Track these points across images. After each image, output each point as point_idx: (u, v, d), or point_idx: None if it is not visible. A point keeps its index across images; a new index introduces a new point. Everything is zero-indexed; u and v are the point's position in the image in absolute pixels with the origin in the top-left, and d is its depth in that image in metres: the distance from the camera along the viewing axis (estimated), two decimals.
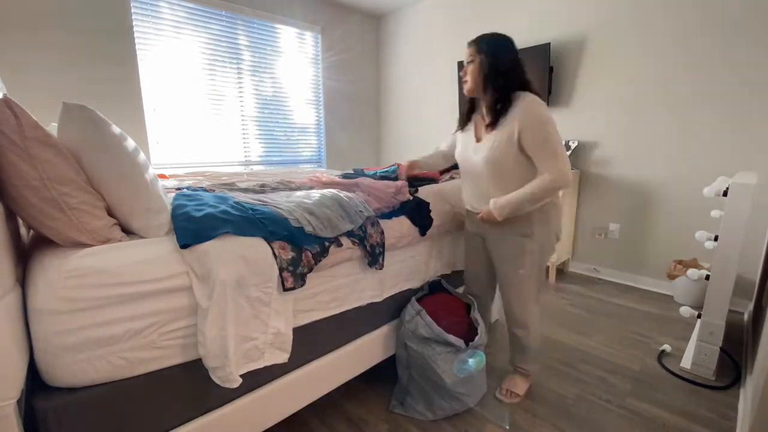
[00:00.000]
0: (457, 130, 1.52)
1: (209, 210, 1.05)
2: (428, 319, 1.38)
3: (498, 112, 1.29)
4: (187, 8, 2.94)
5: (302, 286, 1.07)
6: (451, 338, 1.35)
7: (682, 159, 2.46)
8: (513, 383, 1.55)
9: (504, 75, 1.27)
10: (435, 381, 1.36)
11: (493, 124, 1.30)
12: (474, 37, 1.32)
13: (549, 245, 1.43)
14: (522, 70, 1.30)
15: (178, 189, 1.47)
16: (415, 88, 4.10)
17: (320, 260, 1.13)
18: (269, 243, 1.03)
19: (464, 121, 1.47)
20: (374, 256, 1.31)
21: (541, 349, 1.86)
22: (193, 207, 1.08)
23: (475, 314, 1.52)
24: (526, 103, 1.24)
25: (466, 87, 1.34)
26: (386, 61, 4.35)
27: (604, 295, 2.58)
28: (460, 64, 3.70)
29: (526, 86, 1.30)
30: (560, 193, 1.39)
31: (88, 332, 0.79)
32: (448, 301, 1.55)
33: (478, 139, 1.38)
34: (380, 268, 1.34)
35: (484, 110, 1.37)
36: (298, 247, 1.09)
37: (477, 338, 1.41)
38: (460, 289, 1.75)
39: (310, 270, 1.10)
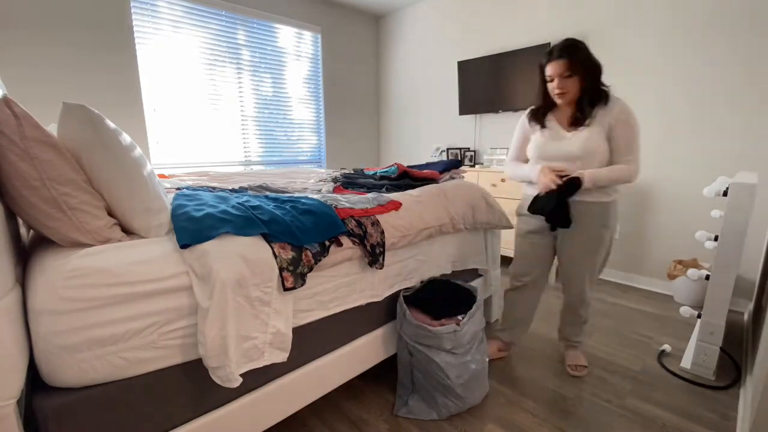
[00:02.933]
0: (533, 131, 1.60)
1: (209, 210, 1.05)
2: (414, 321, 1.38)
3: (590, 112, 1.44)
4: (187, 8, 2.94)
5: (302, 285, 1.07)
6: (437, 330, 1.33)
7: (682, 159, 2.46)
8: (576, 357, 1.72)
9: (597, 84, 1.44)
10: (438, 381, 1.36)
11: (582, 121, 1.44)
12: (558, 48, 1.40)
13: (614, 235, 1.59)
14: (601, 73, 1.45)
15: (178, 189, 1.47)
16: (415, 88, 4.10)
17: (320, 260, 1.13)
18: (269, 243, 1.04)
19: (542, 121, 1.56)
20: (374, 256, 1.31)
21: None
22: (193, 207, 1.08)
23: (468, 285, 1.60)
24: (619, 106, 1.41)
25: (566, 98, 1.44)
26: (386, 61, 4.36)
27: (604, 295, 2.58)
28: (461, 64, 3.67)
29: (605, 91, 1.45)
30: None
31: (88, 332, 0.79)
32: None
33: (568, 131, 1.50)
34: (380, 268, 1.34)
35: (571, 111, 1.48)
36: (299, 246, 1.09)
37: (474, 306, 1.44)
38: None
39: (310, 269, 1.10)
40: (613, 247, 1.62)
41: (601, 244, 1.53)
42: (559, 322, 1.78)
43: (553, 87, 1.44)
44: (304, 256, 1.09)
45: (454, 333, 1.35)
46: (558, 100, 1.47)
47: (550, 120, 1.54)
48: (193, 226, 0.97)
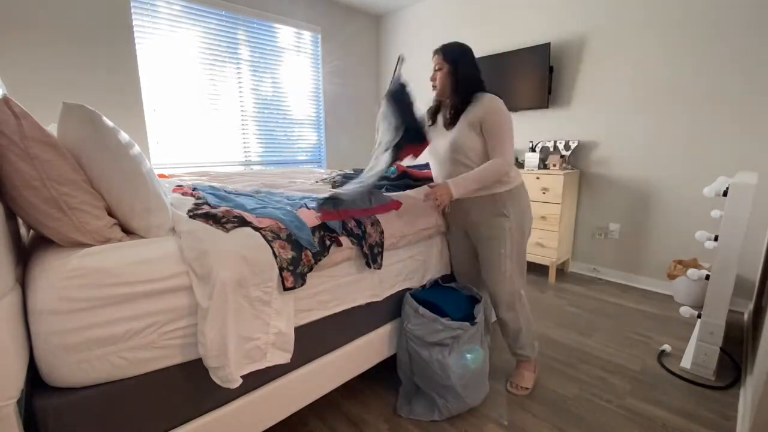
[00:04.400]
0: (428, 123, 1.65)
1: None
2: (429, 314, 1.38)
3: (461, 109, 1.47)
4: (187, 8, 2.94)
5: (302, 285, 1.07)
6: (455, 324, 1.35)
7: (682, 159, 2.46)
8: (520, 376, 1.60)
9: (466, 81, 1.47)
10: (438, 381, 1.36)
11: (456, 118, 1.48)
12: (440, 45, 1.50)
13: (526, 225, 1.55)
14: (479, 74, 1.50)
15: (194, 190, 1.46)
16: (415, 88, 4.09)
17: (320, 259, 1.13)
18: (269, 242, 1.03)
19: (433, 119, 1.62)
20: (372, 256, 1.31)
21: (536, 335, 1.83)
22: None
23: (475, 293, 1.57)
24: (487, 100, 1.44)
25: (436, 90, 1.53)
26: (386, 61, 4.35)
27: (604, 295, 2.58)
28: None
29: (482, 88, 1.49)
30: (512, 175, 1.52)
31: (88, 332, 0.79)
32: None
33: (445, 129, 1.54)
34: (378, 268, 1.34)
35: (449, 108, 1.52)
36: (299, 246, 1.09)
37: (477, 308, 1.45)
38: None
39: (310, 269, 1.10)
40: (527, 240, 1.56)
41: (501, 234, 1.48)
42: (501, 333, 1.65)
43: (430, 79, 1.53)
44: (304, 256, 1.09)
45: (469, 329, 1.36)
46: (433, 92, 1.55)
47: (439, 118, 1.60)
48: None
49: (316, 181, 2.11)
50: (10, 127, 0.75)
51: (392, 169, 1.78)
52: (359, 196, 1.37)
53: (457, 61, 1.47)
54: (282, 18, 3.51)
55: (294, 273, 1.05)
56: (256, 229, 1.06)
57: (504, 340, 1.63)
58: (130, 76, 2.72)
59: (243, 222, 1.07)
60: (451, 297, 1.53)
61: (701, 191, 2.04)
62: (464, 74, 1.47)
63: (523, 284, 1.57)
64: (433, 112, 1.62)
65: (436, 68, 1.50)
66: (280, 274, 1.02)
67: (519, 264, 1.54)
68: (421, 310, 1.40)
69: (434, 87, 1.53)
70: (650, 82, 2.52)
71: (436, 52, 1.51)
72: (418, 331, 1.39)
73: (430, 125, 1.62)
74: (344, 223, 1.27)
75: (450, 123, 1.50)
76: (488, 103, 1.43)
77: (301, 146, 3.93)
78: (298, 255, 1.07)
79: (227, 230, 1.02)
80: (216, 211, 1.10)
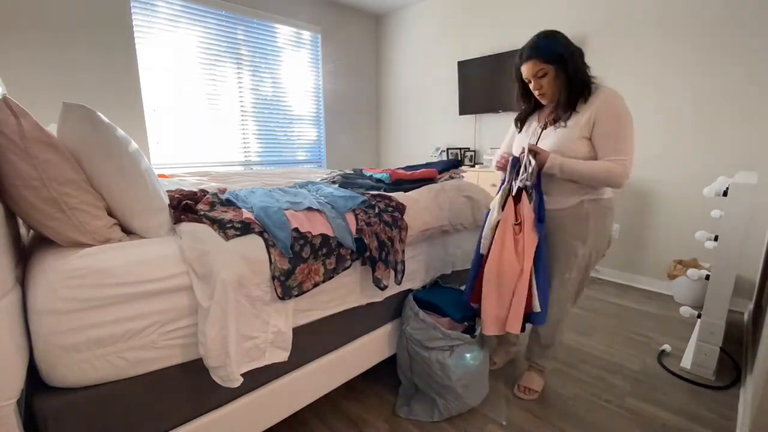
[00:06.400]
0: (517, 131, 1.50)
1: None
2: (429, 320, 1.38)
3: (573, 110, 1.28)
4: (188, 8, 2.94)
5: (289, 299, 1.05)
6: (454, 334, 1.35)
7: (682, 159, 2.46)
8: (530, 380, 1.56)
9: (578, 77, 1.26)
10: (438, 382, 1.36)
11: (559, 120, 1.31)
12: (526, 47, 1.28)
13: (600, 251, 1.41)
14: (583, 60, 1.27)
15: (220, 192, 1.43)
16: (415, 88, 4.10)
17: (318, 285, 1.11)
18: (269, 248, 1.03)
19: (523, 123, 1.46)
20: (396, 274, 1.36)
21: (558, 348, 1.79)
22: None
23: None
24: (603, 96, 1.24)
25: (546, 98, 1.32)
26: (386, 61, 4.35)
27: (604, 295, 2.58)
28: (461, 64, 3.66)
29: (590, 80, 1.28)
30: (610, 193, 1.37)
31: (88, 332, 0.79)
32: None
33: (544, 128, 1.37)
34: (398, 284, 1.38)
35: (554, 108, 1.35)
36: (298, 260, 1.07)
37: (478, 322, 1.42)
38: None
39: (300, 292, 1.07)
40: (590, 270, 1.43)
41: (570, 260, 1.36)
42: (528, 339, 1.60)
43: (532, 88, 1.33)
44: (298, 272, 1.06)
45: (467, 341, 1.36)
46: (543, 101, 1.36)
47: (532, 120, 1.45)
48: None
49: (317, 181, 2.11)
50: (10, 127, 0.75)
51: (386, 175, 1.76)
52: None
53: (563, 59, 1.24)
54: (282, 18, 3.52)
55: (283, 285, 1.03)
56: (260, 234, 1.05)
57: (529, 348, 1.58)
58: (130, 76, 2.72)
59: (246, 230, 1.04)
60: (451, 297, 1.53)
61: (701, 191, 2.04)
62: (573, 68, 1.24)
63: (575, 302, 1.50)
64: (525, 116, 1.46)
65: (539, 75, 1.27)
66: (272, 281, 1.02)
67: (578, 289, 1.46)
68: (422, 314, 1.39)
69: (541, 96, 1.32)
70: (650, 83, 2.52)
71: (528, 57, 1.27)
72: (418, 336, 1.39)
73: (518, 132, 1.48)
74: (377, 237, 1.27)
75: (552, 123, 1.32)
76: (606, 101, 1.23)
77: (301, 146, 3.93)
78: (292, 269, 1.05)
79: (227, 238, 1.00)
80: (222, 216, 1.09)
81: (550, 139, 1.32)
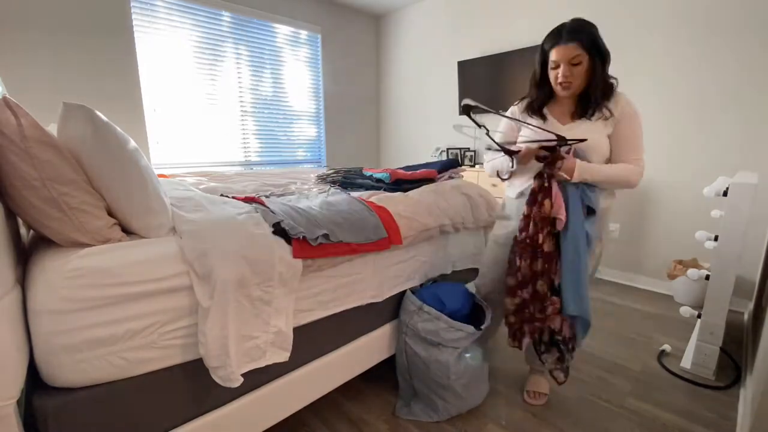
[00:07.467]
0: (524, 119, 1.39)
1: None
2: (434, 311, 1.37)
3: (597, 105, 1.25)
4: (188, 8, 2.94)
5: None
6: (459, 325, 1.35)
7: (682, 159, 2.46)
8: (537, 384, 1.54)
9: (605, 75, 1.23)
10: (437, 382, 1.36)
11: (583, 115, 1.27)
12: (568, 29, 1.21)
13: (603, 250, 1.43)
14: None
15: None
16: (415, 88, 4.10)
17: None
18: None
19: (540, 112, 1.36)
20: None
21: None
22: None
23: (479, 300, 1.54)
24: (624, 102, 1.25)
25: (570, 89, 1.24)
26: (386, 61, 4.36)
27: (604, 295, 2.58)
28: (461, 64, 3.65)
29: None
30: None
31: (88, 332, 0.79)
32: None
33: (564, 124, 1.31)
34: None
35: (572, 104, 1.30)
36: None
37: (486, 321, 1.42)
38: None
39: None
40: (602, 258, 1.45)
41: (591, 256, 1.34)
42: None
43: (556, 75, 1.23)
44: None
45: (473, 333, 1.36)
46: (562, 92, 1.25)
47: (547, 114, 1.35)
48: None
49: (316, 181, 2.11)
50: (10, 127, 0.75)
51: (386, 175, 1.76)
52: (354, 226, 1.25)
53: (601, 51, 1.18)
54: (282, 18, 3.52)
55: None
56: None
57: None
58: (130, 76, 2.72)
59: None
60: (450, 290, 1.53)
61: (701, 191, 2.04)
62: (603, 65, 1.20)
63: None
64: (537, 107, 1.35)
65: (573, 62, 1.18)
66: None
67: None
68: (426, 307, 1.39)
69: (565, 87, 1.22)
70: (650, 83, 2.53)
71: (570, 39, 1.16)
72: (428, 326, 1.37)
73: (530, 121, 1.37)
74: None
75: (578, 116, 1.26)
76: (628, 104, 1.24)
77: (300, 146, 3.93)
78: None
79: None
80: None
81: (579, 129, 1.26)
